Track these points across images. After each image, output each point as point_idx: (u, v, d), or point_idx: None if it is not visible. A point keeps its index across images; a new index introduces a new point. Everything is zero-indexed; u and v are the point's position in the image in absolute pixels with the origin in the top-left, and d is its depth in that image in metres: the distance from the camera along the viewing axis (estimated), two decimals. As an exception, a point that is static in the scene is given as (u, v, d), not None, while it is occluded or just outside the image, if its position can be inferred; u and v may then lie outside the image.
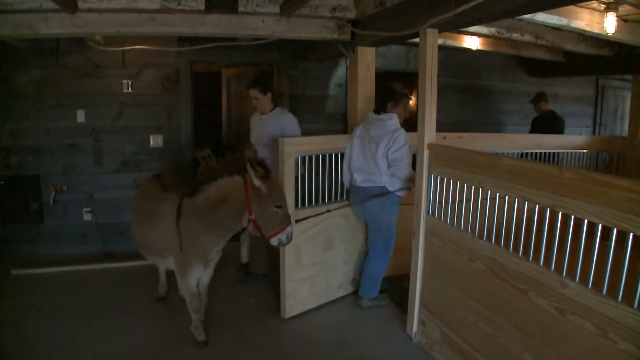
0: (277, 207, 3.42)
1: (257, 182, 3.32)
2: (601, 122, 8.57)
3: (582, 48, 5.74)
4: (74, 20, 4.14)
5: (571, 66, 6.85)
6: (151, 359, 3.66)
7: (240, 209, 3.43)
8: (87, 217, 5.95)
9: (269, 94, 4.84)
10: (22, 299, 4.62)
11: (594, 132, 8.37)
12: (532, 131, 6.91)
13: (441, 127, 6.66)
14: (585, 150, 6.00)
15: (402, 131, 4.18)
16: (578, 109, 8.20)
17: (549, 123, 6.72)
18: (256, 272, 5.13)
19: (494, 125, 7.73)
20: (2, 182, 5.65)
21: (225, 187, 3.42)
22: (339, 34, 4.59)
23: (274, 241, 3.54)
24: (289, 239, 3.58)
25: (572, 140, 6.07)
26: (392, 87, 4.32)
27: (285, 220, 3.51)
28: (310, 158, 4.31)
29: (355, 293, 4.71)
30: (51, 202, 5.79)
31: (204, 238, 3.57)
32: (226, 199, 3.42)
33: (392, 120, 4.20)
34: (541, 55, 6.56)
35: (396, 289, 4.62)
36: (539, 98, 6.89)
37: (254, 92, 4.78)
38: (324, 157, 4.42)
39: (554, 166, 2.76)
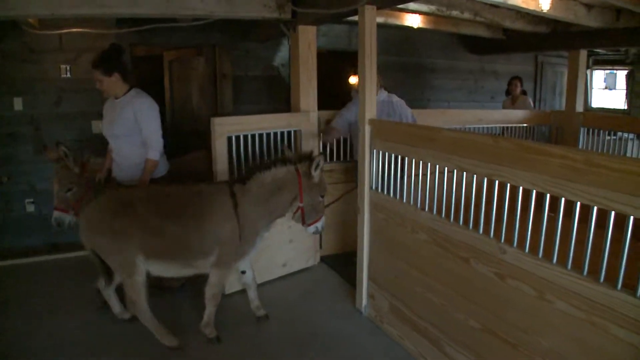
0: (322, 196, 3.65)
1: (315, 174, 3.49)
2: (541, 97, 8.82)
3: (519, 25, 5.87)
4: (4, 2, 3.98)
5: (510, 43, 7.00)
6: (95, 352, 3.59)
7: (293, 196, 3.57)
8: (29, 208, 5.76)
9: (116, 75, 3.98)
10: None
11: (533, 107, 8.61)
12: None
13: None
14: (525, 125, 6.17)
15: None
16: (518, 85, 8.41)
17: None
18: None
19: (437, 102, 7.86)
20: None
21: (281, 175, 3.52)
22: (280, 12, 4.56)
23: (311, 229, 3.70)
24: (323, 227, 3.76)
25: (512, 115, 6.23)
26: None
27: (323, 210, 3.72)
28: (246, 137, 4.38)
29: (303, 271, 4.74)
30: (-9, 194, 5.61)
31: (259, 224, 3.62)
32: (282, 187, 3.53)
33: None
34: (481, 32, 6.68)
35: (345, 266, 4.68)
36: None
37: (96, 75, 3.95)
38: (260, 136, 4.49)
39: (491, 136, 2.83)
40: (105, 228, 3.43)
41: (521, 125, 6.13)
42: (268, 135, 4.55)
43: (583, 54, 6.03)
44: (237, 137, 4.35)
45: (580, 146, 5.86)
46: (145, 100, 4.05)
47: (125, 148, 4.07)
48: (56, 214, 4.01)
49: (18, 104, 5.57)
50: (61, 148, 3.87)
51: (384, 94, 4.69)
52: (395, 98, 4.79)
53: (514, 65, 8.28)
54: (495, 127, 5.96)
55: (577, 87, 6.04)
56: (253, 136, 4.45)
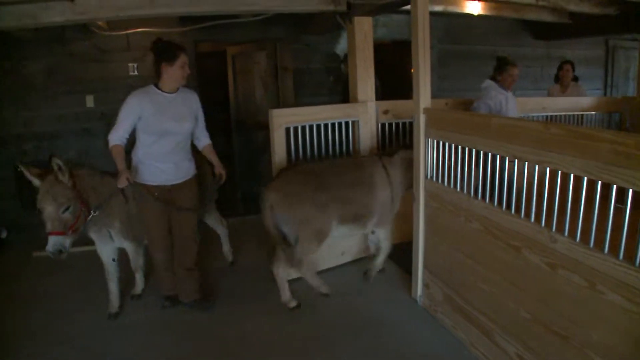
0: None
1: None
2: (612, 83, 8.46)
3: (586, 8, 5.65)
4: (73, 7, 4.24)
5: (577, 27, 6.74)
6: (165, 330, 3.79)
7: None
8: (102, 199, 6.07)
9: None
10: (43, 279, 4.79)
11: (604, 94, 8.28)
12: None
13: (447, 94, 6.72)
14: (594, 112, 5.95)
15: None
16: (588, 71, 8.08)
17: None
18: None
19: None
20: (19, 169, 5.77)
21: (411, 154, 3.94)
22: (335, 5, 4.60)
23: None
24: None
25: (578, 102, 6.01)
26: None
27: None
28: (304, 128, 4.52)
29: (362, 260, 4.84)
30: (68, 186, 5.91)
31: (400, 191, 4.36)
32: (411, 164, 3.97)
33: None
34: (546, 17, 6.47)
35: (403, 255, 4.68)
36: None
37: (185, 59, 3.72)
38: (318, 127, 4.61)
39: (541, 122, 2.78)
40: (306, 199, 3.87)
41: (588, 113, 5.91)
42: (326, 125, 4.63)
43: (656, 36, 5.76)
44: (295, 128, 4.47)
45: (652, 134, 5.59)
46: (193, 91, 4.00)
47: (186, 144, 3.88)
48: (54, 239, 3.32)
49: (90, 101, 5.91)
50: (55, 161, 3.34)
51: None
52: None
53: (582, 50, 7.97)
54: (560, 115, 5.75)
55: (649, 71, 5.78)
56: (311, 127, 4.55)
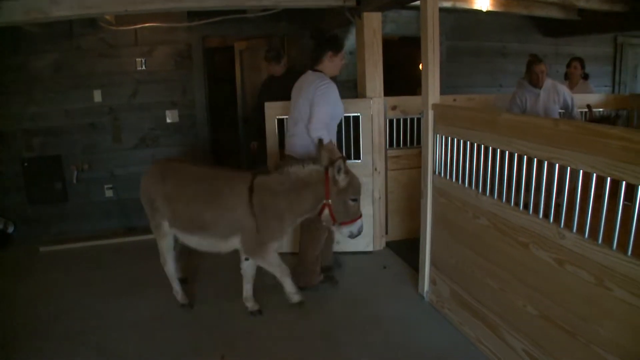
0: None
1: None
2: (620, 80, 8.41)
3: (594, 4, 5.66)
4: (82, 1, 4.25)
5: (586, 24, 6.72)
6: (172, 324, 3.81)
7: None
8: (108, 193, 6.11)
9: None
10: (50, 274, 4.82)
11: (613, 91, 8.22)
12: None
13: (456, 90, 6.70)
14: (601, 109, 5.92)
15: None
16: (596, 68, 8.00)
17: None
18: None
19: (510, 87, 7.63)
20: (26, 164, 5.82)
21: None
22: (344, 0, 4.60)
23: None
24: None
25: (586, 99, 5.97)
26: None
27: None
28: None
29: (368, 255, 4.88)
30: (74, 181, 5.96)
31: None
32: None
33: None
34: (555, 14, 6.45)
35: (410, 251, 4.68)
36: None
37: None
38: None
39: (550, 119, 2.78)
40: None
41: (596, 110, 5.87)
42: None
43: (665, 33, 5.72)
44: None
45: (661, 131, 5.56)
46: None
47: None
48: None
49: (97, 95, 5.92)
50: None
51: (548, 82, 4.96)
52: (558, 84, 5.06)
53: (591, 47, 7.90)
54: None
55: (658, 69, 5.75)
56: None
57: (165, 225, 3.85)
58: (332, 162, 3.50)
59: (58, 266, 4.99)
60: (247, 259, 3.87)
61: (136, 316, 3.93)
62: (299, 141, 4.10)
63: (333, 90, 3.99)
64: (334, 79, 4.10)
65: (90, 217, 6.09)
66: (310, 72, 4.13)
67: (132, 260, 5.06)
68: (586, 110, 5.34)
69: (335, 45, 4.07)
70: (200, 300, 4.14)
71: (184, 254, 4.35)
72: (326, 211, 3.59)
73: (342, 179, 3.50)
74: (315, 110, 3.87)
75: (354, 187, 3.58)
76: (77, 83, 5.84)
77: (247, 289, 3.94)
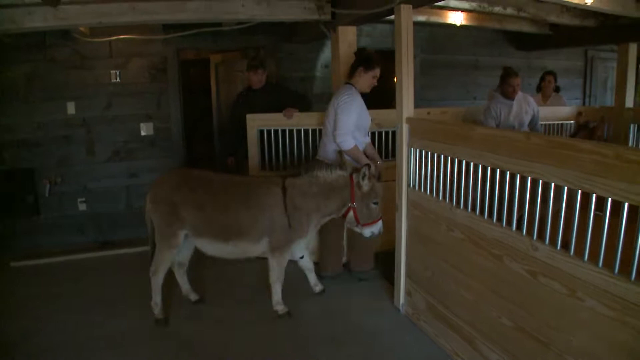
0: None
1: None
2: (591, 93, 8.59)
3: (566, 19, 5.77)
4: (56, 12, 4.23)
5: (558, 38, 6.87)
6: (146, 339, 3.75)
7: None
8: (82, 207, 6.03)
9: None
10: (21, 289, 4.71)
11: (583, 104, 8.39)
12: None
13: (430, 103, 6.78)
14: (572, 122, 6.03)
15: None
16: (567, 81, 8.19)
17: None
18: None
19: (483, 100, 7.74)
20: (-4, 176, 5.73)
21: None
22: (319, 14, 4.64)
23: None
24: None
25: (557, 112, 6.10)
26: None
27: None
28: (276, 132, 5.16)
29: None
30: (46, 194, 5.87)
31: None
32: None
33: None
34: (527, 28, 6.59)
35: (386, 263, 4.69)
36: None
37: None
38: (291, 132, 5.18)
39: (522, 132, 2.82)
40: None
41: (568, 122, 5.99)
42: (299, 131, 5.18)
43: (633, 47, 5.82)
44: (269, 131, 5.14)
45: (630, 143, 5.68)
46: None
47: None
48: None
49: (71, 108, 5.85)
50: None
51: (520, 94, 5.10)
52: (527, 95, 5.24)
53: (562, 60, 8.09)
54: (541, 124, 5.79)
55: (626, 82, 5.86)
56: (283, 131, 5.17)
57: (182, 235, 3.85)
58: (357, 169, 3.83)
59: (29, 281, 4.90)
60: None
61: (108, 332, 3.86)
62: (330, 147, 4.37)
63: (356, 101, 4.25)
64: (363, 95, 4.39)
65: (63, 231, 5.99)
66: (343, 84, 4.47)
67: (106, 275, 4.98)
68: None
69: (366, 62, 4.30)
70: (175, 315, 4.10)
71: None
72: (351, 213, 3.90)
73: (365, 184, 3.79)
74: (337, 118, 4.17)
75: (375, 192, 3.86)
76: (50, 95, 5.76)
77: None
